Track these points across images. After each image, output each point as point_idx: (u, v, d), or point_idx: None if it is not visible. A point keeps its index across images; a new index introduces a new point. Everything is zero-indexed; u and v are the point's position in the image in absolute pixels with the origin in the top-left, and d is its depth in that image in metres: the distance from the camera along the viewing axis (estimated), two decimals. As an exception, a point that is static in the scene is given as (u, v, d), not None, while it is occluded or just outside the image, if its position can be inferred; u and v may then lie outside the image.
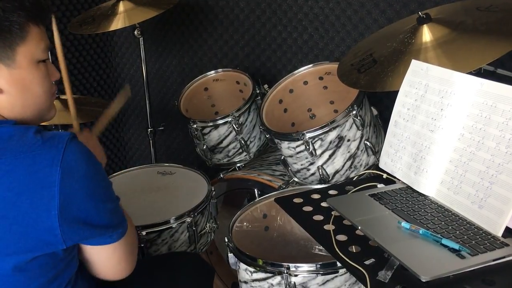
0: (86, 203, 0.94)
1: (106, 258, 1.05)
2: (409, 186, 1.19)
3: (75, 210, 0.92)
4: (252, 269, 1.29)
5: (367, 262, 0.95)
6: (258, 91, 2.00)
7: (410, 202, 1.12)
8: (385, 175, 1.27)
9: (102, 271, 1.08)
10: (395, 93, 1.26)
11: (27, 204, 0.89)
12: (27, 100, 1.00)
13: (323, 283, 1.23)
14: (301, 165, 1.69)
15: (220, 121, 1.94)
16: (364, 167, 1.66)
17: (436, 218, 1.04)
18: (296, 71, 1.91)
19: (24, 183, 0.89)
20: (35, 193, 0.89)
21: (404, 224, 1.01)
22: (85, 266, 1.08)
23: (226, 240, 1.37)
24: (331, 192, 1.26)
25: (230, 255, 1.35)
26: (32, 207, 0.89)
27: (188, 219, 1.58)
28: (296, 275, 1.22)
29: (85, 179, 0.94)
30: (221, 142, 1.99)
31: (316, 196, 1.24)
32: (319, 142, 1.61)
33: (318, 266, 1.21)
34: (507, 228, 0.96)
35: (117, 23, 2.03)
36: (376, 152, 1.66)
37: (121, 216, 1.05)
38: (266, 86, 2.02)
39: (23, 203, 0.89)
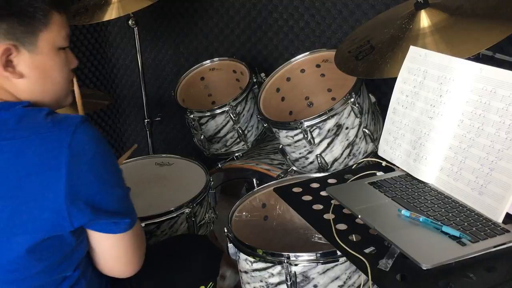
0: (94, 186, 0.94)
1: (111, 248, 1.04)
2: (409, 173, 1.18)
3: (83, 192, 0.93)
4: (252, 259, 1.29)
5: (367, 251, 0.95)
6: (255, 80, 1.99)
7: (410, 190, 1.12)
8: (384, 163, 1.26)
9: (106, 263, 1.07)
10: (393, 79, 1.25)
11: (35, 185, 0.90)
12: (46, 85, 1.02)
13: (324, 272, 1.23)
14: (300, 153, 1.68)
15: (217, 111, 1.93)
16: (363, 155, 1.66)
17: (436, 206, 1.04)
18: (293, 59, 1.90)
19: (33, 164, 0.90)
20: (43, 174, 0.90)
21: (404, 212, 1.01)
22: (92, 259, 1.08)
23: (226, 230, 1.37)
24: (330, 180, 1.25)
25: (230, 245, 1.35)
26: (40, 188, 0.90)
27: (187, 210, 1.58)
28: (296, 265, 1.22)
29: (94, 162, 0.94)
30: (219, 132, 1.98)
31: (315, 185, 1.23)
32: (317, 131, 1.60)
33: (318, 255, 1.21)
34: (507, 214, 0.96)
35: (111, 13, 2.00)
36: (375, 140, 1.66)
37: (130, 206, 1.04)
38: (263, 74, 2.00)
39: (32, 184, 0.90)
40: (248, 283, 1.35)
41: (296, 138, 1.64)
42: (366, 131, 1.63)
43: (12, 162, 0.91)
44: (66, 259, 0.99)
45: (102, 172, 0.96)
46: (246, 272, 1.34)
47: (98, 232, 1.01)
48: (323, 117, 1.57)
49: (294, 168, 1.76)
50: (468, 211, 1.01)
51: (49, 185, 0.90)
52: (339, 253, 1.19)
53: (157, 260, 1.28)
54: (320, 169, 1.66)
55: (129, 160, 1.91)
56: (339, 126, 1.60)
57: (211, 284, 1.36)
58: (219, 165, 1.94)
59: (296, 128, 1.61)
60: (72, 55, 1.08)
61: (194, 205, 1.60)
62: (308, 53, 1.88)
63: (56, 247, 0.96)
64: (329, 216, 1.08)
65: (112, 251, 1.05)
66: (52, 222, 0.92)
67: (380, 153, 1.28)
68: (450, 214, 1.00)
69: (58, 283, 1.00)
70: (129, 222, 1.02)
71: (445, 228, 0.94)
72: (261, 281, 1.30)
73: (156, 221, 1.53)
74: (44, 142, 0.91)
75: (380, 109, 1.74)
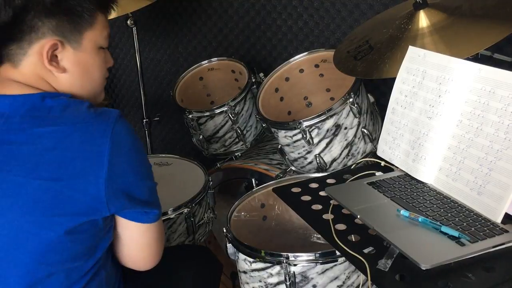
0: (130, 176, 1.00)
1: (138, 237, 1.08)
2: (408, 173, 1.18)
3: (120, 180, 0.98)
4: (251, 259, 1.29)
5: (366, 251, 0.95)
6: (253, 80, 1.99)
7: (409, 190, 1.12)
8: (383, 163, 1.26)
9: (131, 253, 1.11)
10: (392, 79, 1.25)
11: (78, 170, 0.95)
12: (86, 81, 1.08)
13: (323, 272, 1.23)
14: (298, 153, 1.68)
15: (216, 111, 1.93)
16: (362, 155, 1.66)
17: (435, 206, 1.04)
18: (291, 59, 1.89)
19: (78, 149, 0.95)
20: (87, 160, 0.95)
21: (403, 212, 1.01)
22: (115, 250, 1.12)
23: (225, 230, 1.37)
24: (329, 181, 1.25)
25: (229, 245, 1.35)
26: (83, 173, 0.95)
27: (186, 210, 1.58)
28: (295, 265, 1.22)
29: (131, 153, 1.00)
30: (217, 132, 1.98)
31: (314, 185, 1.23)
32: (316, 131, 1.60)
33: (317, 255, 1.21)
34: (506, 215, 0.96)
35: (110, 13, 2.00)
36: (374, 140, 1.66)
37: (158, 198, 1.09)
38: (261, 74, 2.00)
39: (75, 168, 0.95)
40: (247, 283, 1.35)
41: (295, 138, 1.64)
42: (365, 131, 1.63)
43: (59, 146, 0.95)
44: (95, 247, 1.03)
45: (137, 164, 1.02)
46: (245, 272, 1.34)
47: (129, 220, 1.05)
48: (322, 117, 1.57)
49: (293, 168, 1.76)
50: (467, 211, 1.01)
51: (92, 171, 0.95)
52: (338, 253, 1.18)
53: (159, 268, 1.29)
54: (319, 169, 1.66)
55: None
56: (338, 126, 1.60)
57: None
58: (218, 165, 1.94)
59: (295, 128, 1.61)
60: (109, 55, 1.14)
61: (193, 205, 1.60)
62: (306, 53, 1.88)
63: (90, 232, 1.00)
64: (328, 216, 1.08)
65: (139, 240, 1.09)
66: (91, 206, 0.97)
67: (379, 153, 1.28)
68: (449, 214, 1.00)
69: (82, 269, 1.02)
70: (157, 213, 1.07)
71: (444, 228, 0.94)
72: (260, 281, 1.30)
73: (154, 221, 1.52)
74: (88, 130, 0.97)
75: (378, 109, 1.75)
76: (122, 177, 0.98)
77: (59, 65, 1.03)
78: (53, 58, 1.02)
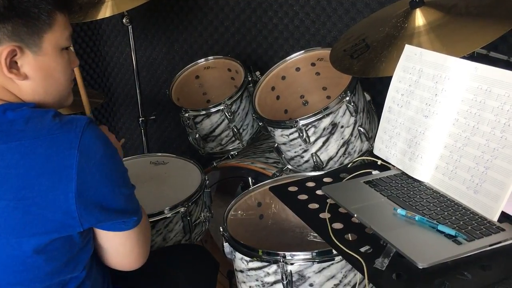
0: (103, 186, 0.95)
1: (119, 245, 1.05)
2: (404, 172, 1.18)
3: (92, 193, 0.93)
4: (247, 259, 1.29)
5: (363, 250, 0.94)
6: (250, 79, 1.98)
7: (405, 189, 1.12)
8: (379, 162, 1.26)
9: (114, 259, 1.09)
10: (388, 78, 1.25)
11: (45, 186, 0.90)
12: (50, 86, 1.02)
13: (319, 271, 1.23)
14: (295, 152, 1.68)
15: (212, 110, 1.92)
16: (358, 153, 1.66)
17: (431, 204, 1.04)
18: (288, 58, 1.89)
19: (43, 165, 0.90)
20: (54, 175, 0.90)
21: (400, 211, 1.01)
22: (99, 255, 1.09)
23: (221, 229, 1.37)
24: (326, 179, 1.25)
25: (226, 244, 1.35)
26: (51, 189, 0.90)
27: (182, 209, 1.57)
28: (292, 264, 1.22)
29: (102, 162, 0.94)
30: (214, 130, 1.98)
31: (311, 184, 1.23)
32: (312, 129, 1.60)
33: (314, 254, 1.21)
34: (502, 213, 0.96)
35: (105, 11, 1.99)
36: (370, 138, 1.66)
37: (137, 204, 1.05)
38: (258, 73, 2.00)
39: (42, 185, 0.90)
40: (244, 282, 1.34)
41: (291, 136, 1.64)
42: (361, 129, 1.63)
43: (22, 163, 0.90)
44: (73, 260, 0.99)
45: (110, 172, 0.97)
46: (241, 271, 1.34)
47: (107, 231, 1.02)
48: (318, 116, 1.57)
49: (289, 166, 1.76)
50: (464, 210, 1.01)
51: (60, 186, 0.91)
52: (335, 252, 1.18)
53: (155, 268, 1.28)
54: (316, 167, 1.66)
55: (123, 159, 1.90)
56: (334, 125, 1.60)
57: None
58: (214, 164, 1.94)
59: (292, 127, 1.61)
60: (74, 55, 1.09)
61: (189, 204, 1.59)
62: (303, 51, 1.88)
63: (64, 248, 0.96)
64: (325, 215, 1.08)
65: (120, 248, 1.06)
66: (62, 223, 0.93)
67: (375, 152, 1.28)
68: (446, 213, 1.00)
69: (64, 285, 1.00)
70: (136, 219, 1.04)
71: (440, 227, 0.94)
72: (256, 280, 1.30)
73: (151, 220, 1.52)
74: (53, 143, 0.91)
75: (375, 108, 1.75)
76: (94, 189, 0.94)
77: (20, 72, 0.97)
78: (12, 65, 0.96)
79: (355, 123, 1.62)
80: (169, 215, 1.55)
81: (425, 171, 1.13)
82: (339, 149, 1.63)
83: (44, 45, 0.98)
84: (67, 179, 0.91)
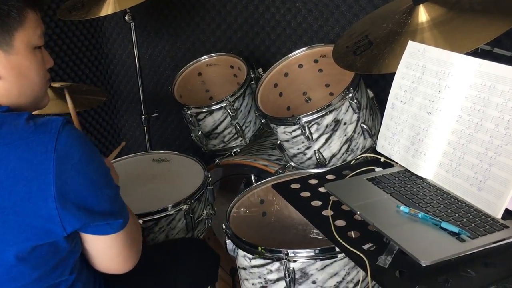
0: (84, 188, 0.92)
1: (105, 249, 1.03)
2: (407, 169, 1.18)
3: (74, 196, 0.90)
4: (250, 256, 1.29)
5: (366, 247, 0.94)
6: (252, 75, 1.98)
7: (409, 186, 1.11)
8: (382, 159, 1.26)
9: (101, 263, 1.06)
10: (391, 74, 1.24)
11: (23, 193, 0.87)
12: (24, 86, 0.98)
13: (322, 268, 1.23)
14: (298, 149, 1.68)
15: (215, 107, 1.92)
16: (361, 150, 1.65)
17: (435, 201, 1.04)
18: (290, 54, 1.89)
19: (19, 171, 0.87)
20: (31, 181, 0.87)
21: (403, 208, 1.01)
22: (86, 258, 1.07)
23: (224, 226, 1.37)
24: (329, 176, 1.25)
25: (228, 241, 1.35)
26: (29, 195, 0.87)
27: (185, 206, 1.57)
28: (295, 261, 1.22)
29: (81, 164, 0.91)
30: (216, 127, 1.97)
31: (313, 181, 1.23)
32: (315, 126, 1.59)
33: (317, 251, 1.21)
34: (506, 210, 0.95)
35: (107, 9, 1.99)
36: (373, 135, 1.65)
37: (122, 205, 1.02)
38: (260, 70, 1.99)
39: (20, 192, 0.87)
40: (247, 279, 1.34)
41: (294, 133, 1.64)
42: (364, 126, 1.62)
43: None
44: (61, 264, 0.97)
45: (90, 173, 0.93)
46: (244, 269, 1.34)
47: (92, 235, 0.99)
48: (321, 113, 1.57)
49: (292, 163, 1.76)
50: (467, 207, 1.01)
51: (38, 192, 0.87)
52: (337, 249, 1.18)
53: (154, 263, 1.28)
54: (318, 164, 1.66)
55: (126, 156, 1.91)
56: (337, 122, 1.59)
57: None
58: (217, 161, 1.94)
59: (294, 124, 1.61)
60: (47, 54, 1.05)
61: (192, 201, 1.59)
62: (305, 48, 1.87)
63: (50, 254, 0.94)
64: (328, 212, 1.08)
65: (107, 252, 1.03)
66: (44, 229, 0.90)
67: (378, 149, 1.28)
68: (449, 210, 1.00)
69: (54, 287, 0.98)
70: (122, 221, 1.00)
71: (444, 224, 0.94)
72: (259, 277, 1.29)
73: (154, 217, 1.52)
74: (28, 148, 0.88)
75: (378, 104, 1.74)
76: (75, 192, 0.90)
77: None
78: None
79: (358, 120, 1.62)
80: (172, 212, 1.55)
81: (428, 168, 1.12)
82: (342, 146, 1.63)
83: (15, 44, 0.95)
84: (45, 184, 0.87)
